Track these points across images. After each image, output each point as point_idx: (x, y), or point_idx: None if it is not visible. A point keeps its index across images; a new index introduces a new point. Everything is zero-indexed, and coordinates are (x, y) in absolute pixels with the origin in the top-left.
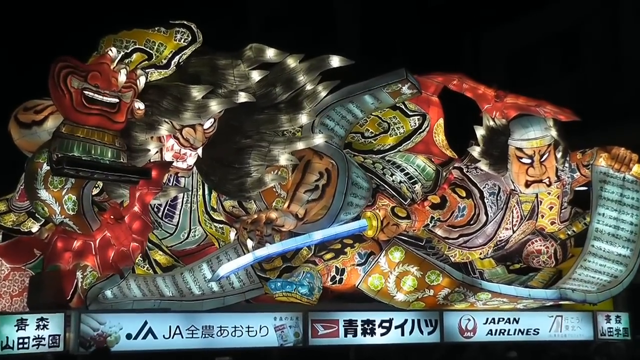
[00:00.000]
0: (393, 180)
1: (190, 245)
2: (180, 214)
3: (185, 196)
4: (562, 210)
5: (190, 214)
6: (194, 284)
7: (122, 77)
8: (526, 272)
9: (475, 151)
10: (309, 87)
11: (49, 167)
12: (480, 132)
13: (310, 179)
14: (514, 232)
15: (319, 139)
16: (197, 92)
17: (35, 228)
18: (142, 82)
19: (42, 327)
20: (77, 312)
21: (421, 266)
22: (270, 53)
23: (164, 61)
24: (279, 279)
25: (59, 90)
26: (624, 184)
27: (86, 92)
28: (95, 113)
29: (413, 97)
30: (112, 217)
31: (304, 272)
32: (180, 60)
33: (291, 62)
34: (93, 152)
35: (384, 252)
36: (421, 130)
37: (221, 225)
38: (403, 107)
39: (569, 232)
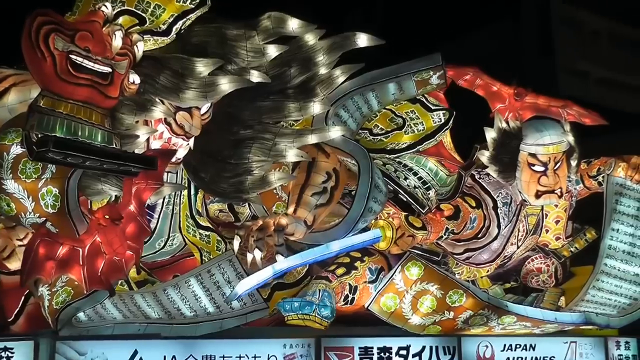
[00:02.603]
0: (408, 185)
1: (164, 256)
2: (159, 219)
3: (167, 197)
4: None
5: (170, 219)
6: (182, 304)
7: (117, 41)
8: (524, 292)
9: (485, 156)
10: (323, 70)
11: (21, 151)
12: (491, 134)
13: (318, 179)
14: (518, 247)
15: (335, 132)
16: (203, 67)
17: None
18: (139, 49)
19: (5, 358)
20: (49, 340)
21: (442, 285)
22: (293, 24)
23: (163, 27)
24: (296, 298)
25: (37, 52)
26: None
27: (73, 57)
28: (85, 84)
29: (437, 90)
30: (106, 217)
31: (319, 290)
32: (182, 27)
33: (310, 38)
34: (80, 133)
35: (400, 267)
36: (447, 127)
37: (208, 233)
38: (424, 100)
39: (572, 249)
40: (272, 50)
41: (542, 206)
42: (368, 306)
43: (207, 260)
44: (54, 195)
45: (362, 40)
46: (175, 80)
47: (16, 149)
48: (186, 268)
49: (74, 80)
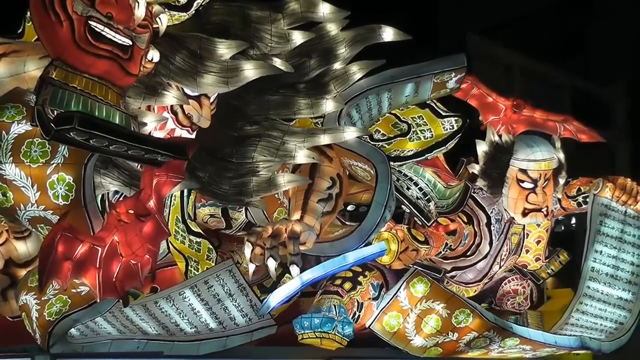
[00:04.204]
0: (411, 195)
1: None
2: None
3: None
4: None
5: None
6: (180, 318)
7: (140, 11)
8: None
9: (475, 169)
10: (338, 65)
11: (24, 130)
12: (482, 147)
13: (323, 185)
14: (499, 268)
15: (350, 134)
16: (225, 49)
17: None
18: (163, 22)
19: None
20: (47, 358)
21: (449, 304)
22: (325, 9)
23: (183, 0)
24: (315, 314)
25: (52, 15)
26: (625, 219)
27: (92, 23)
28: (105, 55)
29: (450, 94)
30: (130, 212)
31: (334, 306)
32: (203, 2)
33: (332, 27)
34: (97, 112)
35: (405, 283)
36: (460, 134)
37: (199, 240)
38: (434, 105)
39: (549, 271)
40: (298, 37)
41: (524, 225)
42: (370, 325)
43: (194, 270)
44: (67, 184)
45: (388, 34)
46: (192, 62)
47: (17, 128)
48: (165, 280)
49: (93, 51)
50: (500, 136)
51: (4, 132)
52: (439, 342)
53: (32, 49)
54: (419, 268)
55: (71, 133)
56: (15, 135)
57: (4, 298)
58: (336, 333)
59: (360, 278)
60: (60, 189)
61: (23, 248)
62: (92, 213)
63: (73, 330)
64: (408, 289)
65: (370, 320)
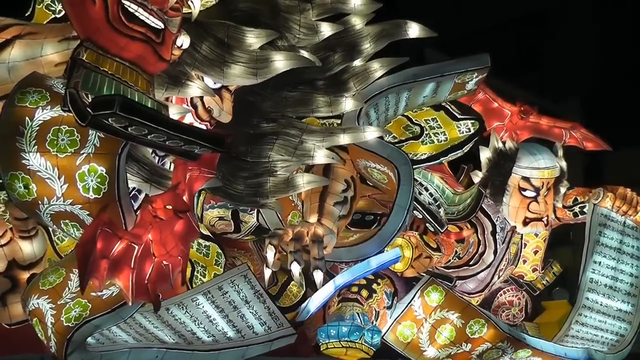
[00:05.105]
0: (423, 200)
1: None
2: None
3: None
4: None
5: None
6: (195, 326)
7: None
8: None
9: (478, 177)
10: (359, 61)
11: (49, 117)
12: (485, 154)
13: (338, 188)
14: (498, 278)
15: (371, 134)
16: (254, 39)
17: None
18: (196, 6)
19: None
20: None
21: (463, 313)
22: (356, 0)
23: None
24: (342, 322)
25: None
26: (624, 230)
27: (126, 3)
28: (139, 38)
29: (466, 96)
30: (168, 207)
31: (357, 314)
32: None
33: (357, 21)
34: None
35: (419, 292)
36: (477, 137)
37: (207, 244)
38: (449, 107)
39: (544, 282)
40: (326, 29)
41: (522, 235)
42: (383, 335)
43: (200, 276)
44: (99, 176)
45: (414, 30)
46: (219, 51)
47: (42, 114)
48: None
49: (127, 32)
50: (504, 143)
51: (27, 118)
52: (452, 353)
53: (49, 31)
54: (433, 277)
55: (110, 119)
56: (40, 122)
57: (3, 303)
58: (363, 342)
59: (374, 286)
60: (92, 181)
61: (29, 248)
62: (126, 208)
63: (89, 338)
64: (423, 297)
65: (384, 330)
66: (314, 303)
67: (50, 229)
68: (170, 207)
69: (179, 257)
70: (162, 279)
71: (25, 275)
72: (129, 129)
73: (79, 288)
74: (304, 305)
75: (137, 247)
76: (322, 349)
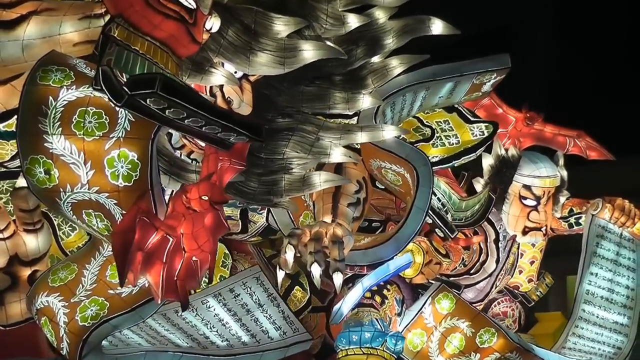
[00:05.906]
0: (433, 205)
1: None
2: None
3: None
4: None
5: None
6: (207, 329)
7: None
8: None
9: (480, 184)
10: (377, 58)
11: (74, 97)
12: (488, 161)
13: (351, 188)
14: (495, 288)
15: (389, 132)
16: (282, 26)
17: None
18: None
19: None
20: None
21: (474, 322)
22: None
23: None
24: (364, 327)
25: None
26: (620, 242)
27: None
28: (173, 16)
29: (480, 99)
30: (204, 198)
31: (376, 319)
32: None
33: (380, 15)
34: None
35: (430, 299)
36: (490, 141)
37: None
38: (462, 109)
39: (538, 294)
40: (353, 21)
41: (519, 244)
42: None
43: (205, 278)
44: (131, 162)
45: (437, 26)
46: (245, 38)
47: (67, 94)
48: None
49: (162, 9)
50: (506, 150)
51: (51, 98)
52: None
53: (69, 8)
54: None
55: (148, 100)
56: (65, 102)
57: (0, 302)
58: (385, 349)
59: (385, 292)
60: (122, 167)
61: (33, 243)
62: (158, 198)
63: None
64: (433, 304)
65: None
66: (346, 305)
67: (55, 223)
68: (206, 197)
69: (209, 254)
70: (190, 276)
71: (26, 272)
72: (167, 111)
73: (94, 285)
74: (336, 307)
75: (171, 239)
76: (340, 356)
